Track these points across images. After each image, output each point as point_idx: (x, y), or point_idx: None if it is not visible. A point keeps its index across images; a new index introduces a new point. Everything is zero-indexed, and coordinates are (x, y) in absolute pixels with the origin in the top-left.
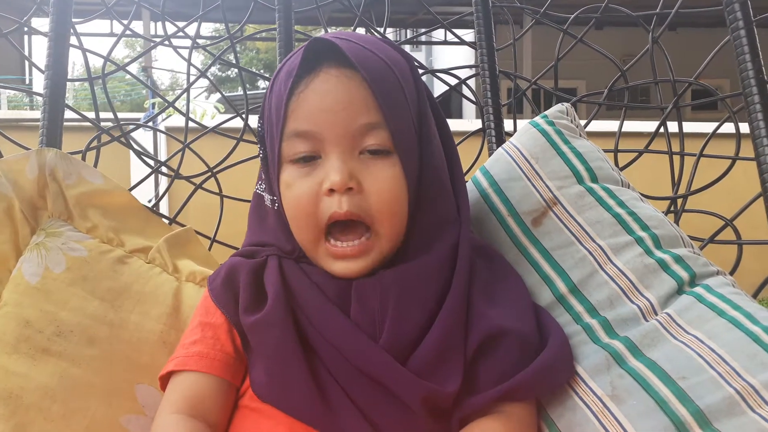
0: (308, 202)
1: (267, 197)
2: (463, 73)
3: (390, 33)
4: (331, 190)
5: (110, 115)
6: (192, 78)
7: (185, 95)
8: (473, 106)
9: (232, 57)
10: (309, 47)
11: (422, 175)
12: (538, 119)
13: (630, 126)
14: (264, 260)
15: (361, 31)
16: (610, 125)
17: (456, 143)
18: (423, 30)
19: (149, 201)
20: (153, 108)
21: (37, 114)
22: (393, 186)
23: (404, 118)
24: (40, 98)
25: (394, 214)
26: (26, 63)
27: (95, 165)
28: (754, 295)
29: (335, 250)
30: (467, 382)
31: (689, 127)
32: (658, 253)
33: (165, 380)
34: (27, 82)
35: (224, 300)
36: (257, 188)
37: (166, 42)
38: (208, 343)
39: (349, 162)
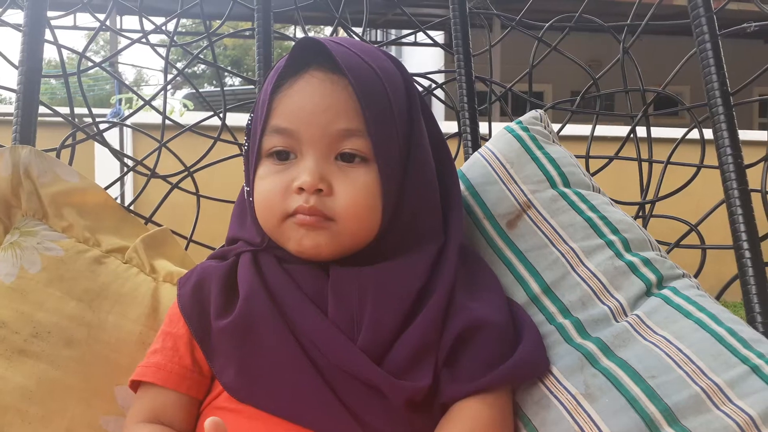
0: (277, 196)
1: (245, 189)
2: (438, 78)
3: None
4: (301, 189)
5: (78, 111)
6: (162, 70)
7: (156, 96)
8: (441, 108)
9: (206, 54)
10: (297, 46)
11: (407, 184)
12: (513, 125)
13: (598, 131)
14: (236, 260)
15: (342, 33)
16: (579, 129)
17: None
18: (393, 31)
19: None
20: (119, 104)
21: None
22: (364, 193)
23: (387, 128)
24: (4, 92)
25: (360, 218)
26: None
27: (70, 163)
28: (717, 297)
29: (298, 217)
30: (449, 370)
31: (653, 132)
32: (628, 256)
33: (135, 387)
34: None
35: (190, 309)
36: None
37: (143, 40)
38: (167, 354)
39: (322, 165)
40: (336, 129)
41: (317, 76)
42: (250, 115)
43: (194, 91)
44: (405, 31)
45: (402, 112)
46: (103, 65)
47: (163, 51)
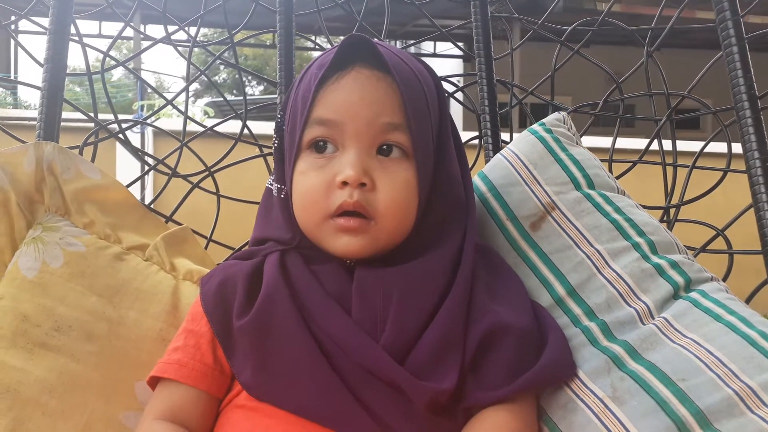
0: (319, 192)
1: (275, 187)
2: (459, 81)
3: None
4: (344, 183)
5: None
6: (184, 78)
7: (178, 96)
8: (461, 115)
9: (227, 58)
10: (345, 42)
11: (436, 182)
12: (536, 127)
13: (621, 143)
14: (262, 259)
15: None
16: (599, 141)
17: None
18: (412, 42)
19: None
20: (141, 110)
21: (21, 113)
22: (405, 190)
23: (425, 126)
24: (23, 98)
25: (401, 216)
26: (12, 61)
27: (92, 161)
28: (746, 302)
29: (340, 222)
30: (473, 375)
31: (677, 144)
32: (655, 259)
33: (153, 383)
34: (13, 79)
35: (212, 308)
36: (268, 183)
37: (166, 41)
38: (188, 351)
39: (365, 159)
40: (380, 122)
41: (364, 72)
42: (280, 113)
43: (214, 99)
44: (427, 43)
45: (435, 112)
46: (126, 68)
47: (185, 52)
